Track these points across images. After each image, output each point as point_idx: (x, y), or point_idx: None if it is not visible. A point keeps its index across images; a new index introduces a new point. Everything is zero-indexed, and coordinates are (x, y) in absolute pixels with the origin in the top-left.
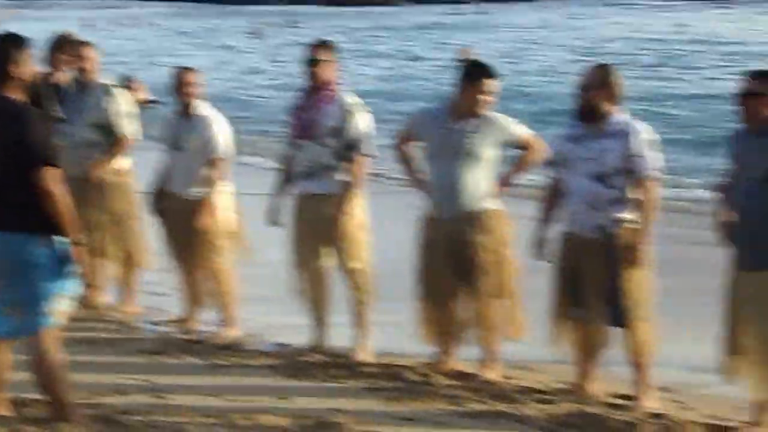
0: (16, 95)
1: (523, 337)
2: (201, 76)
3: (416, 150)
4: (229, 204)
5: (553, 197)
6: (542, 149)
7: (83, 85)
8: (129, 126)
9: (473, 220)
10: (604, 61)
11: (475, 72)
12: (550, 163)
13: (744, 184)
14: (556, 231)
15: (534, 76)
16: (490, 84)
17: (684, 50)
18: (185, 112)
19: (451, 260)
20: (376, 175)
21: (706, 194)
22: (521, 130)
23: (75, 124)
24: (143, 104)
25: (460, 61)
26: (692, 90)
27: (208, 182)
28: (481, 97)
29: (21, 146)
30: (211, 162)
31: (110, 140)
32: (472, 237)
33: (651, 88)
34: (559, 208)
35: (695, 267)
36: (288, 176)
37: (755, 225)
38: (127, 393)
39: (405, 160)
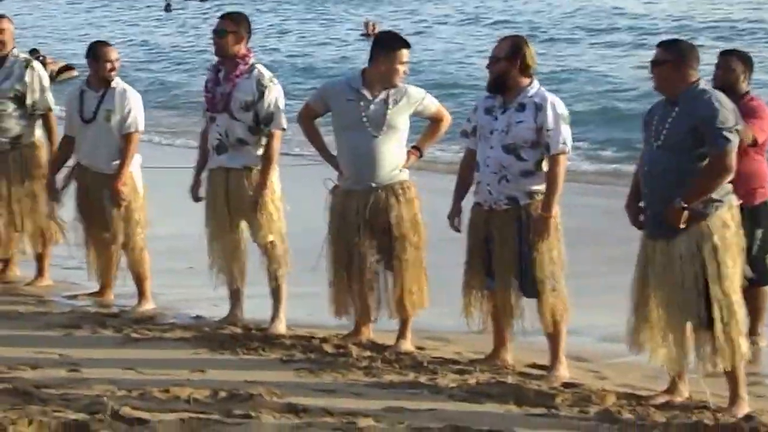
0: None
1: (435, 308)
2: (115, 50)
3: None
4: (140, 178)
5: (467, 168)
6: (449, 119)
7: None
8: (50, 99)
9: (387, 190)
10: (516, 33)
11: (390, 42)
12: (465, 134)
13: (648, 152)
14: (469, 202)
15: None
16: (406, 54)
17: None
18: (99, 85)
19: (365, 231)
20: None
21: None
22: (431, 101)
23: None
24: (57, 75)
25: (366, 34)
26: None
27: (124, 156)
28: (398, 67)
29: None
30: (127, 136)
31: (24, 113)
32: (386, 207)
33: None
34: (471, 179)
35: (609, 237)
36: (205, 151)
37: (659, 193)
38: (42, 367)
39: (311, 134)
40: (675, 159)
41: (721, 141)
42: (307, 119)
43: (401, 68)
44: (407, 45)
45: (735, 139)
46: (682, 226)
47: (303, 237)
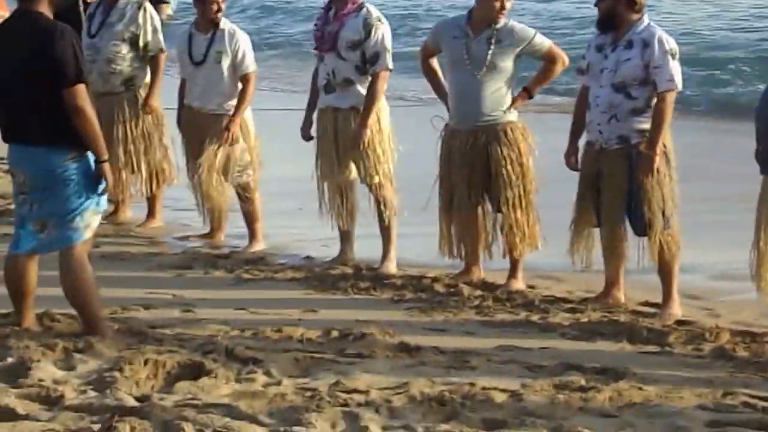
0: (45, 11)
1: (547, 247)
2: None
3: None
4: (251, 120)
5: (581, 106)
6: (563, 60)
7: (111, 1)
8: (161, 40)
9: (491, 131)
10: None
11: None
12: (580, 71)
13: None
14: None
15: None
16: None
17: None
18: (207, 28)
19: (470, 172)
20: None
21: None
22: (542, 40)
23: (104, 38)
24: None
25: None
26: None
27: (241, 97)
28: (494, 3)
29: (50, 63)
30: (243, 77)
31: (138, 55)
32: (490, 149)
33: None
34: (587, 117)
35: (722, 173)
36: (315, 90)
37: None
38: (156, 307)
39: (429, 73)
40: None
41: None
42: (424, 57)
43: (497, 3)
44: None
45: None
46: None
47: (416, 177)
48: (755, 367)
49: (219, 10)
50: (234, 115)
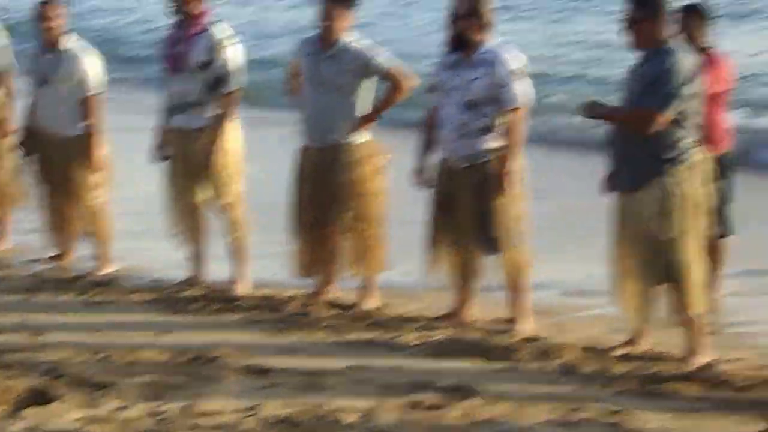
0: None
1: (401, 265)
2: (63, 8)
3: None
4: (102, 139)
5: (431, 125)
6: (409, 80)
7: None
8: (10, 57)
9: (338, 151)
10: None
11: None
12: (430, 90)
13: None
14: (434, 158)
15: None
16: (333, 7)
17: None
18: (50, 47)
19: (319, 191)
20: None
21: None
22: (382, 62)
23: None
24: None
25: None
26: None
27: (83, 118)
28: (326, 22)
29: None
30: (84, 100)
31: None
32: (335, 168)
33: None
34: (437, 136)
35: (573, 192)
36: (167, 110)
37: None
38: (3, 332)
39: (294, 90)
40: None
41: None
42: (291, 74)
43: (336, 24)
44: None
45: None
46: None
47: (269, 195)
48: (601, 381)
49: (55, 27)
50: (85, 138)
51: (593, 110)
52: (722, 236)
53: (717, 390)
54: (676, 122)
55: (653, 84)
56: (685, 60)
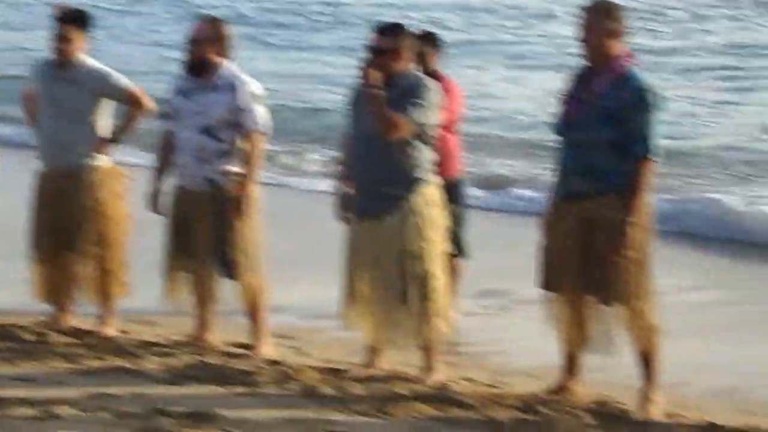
0: None
1: (141, 291)
2: None
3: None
4: None
5: (165, 150)
6: (144, 105)
7: None
8: None
9: (73, 175)
10: (213, 15)
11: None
12: (163, 116)
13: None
14: (169, 184)
15: None
16: (68, 29)
17: None
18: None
19: (53, 216)
20: None
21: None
22: (118, 84)
23: None
24: None
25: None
26: None
27: None
28: (63, 45)
29: None
30: None
31: None
32: (64, 192)
33: None
34: (172, 161)
35: (309, 217)
36: None
37: (368, 175)
38: None
39: (30, 115)
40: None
41: None
42: (25, 100)
43: (65, 45)
44: (69, 20)
45: None
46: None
47: (9, 221)
48: (340, 402)
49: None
50: None
51: (373, 89)
52: (455, 257)
53: (450, 409)
54: (421, 142)
55: (405, 94)
56: (432, 84)
